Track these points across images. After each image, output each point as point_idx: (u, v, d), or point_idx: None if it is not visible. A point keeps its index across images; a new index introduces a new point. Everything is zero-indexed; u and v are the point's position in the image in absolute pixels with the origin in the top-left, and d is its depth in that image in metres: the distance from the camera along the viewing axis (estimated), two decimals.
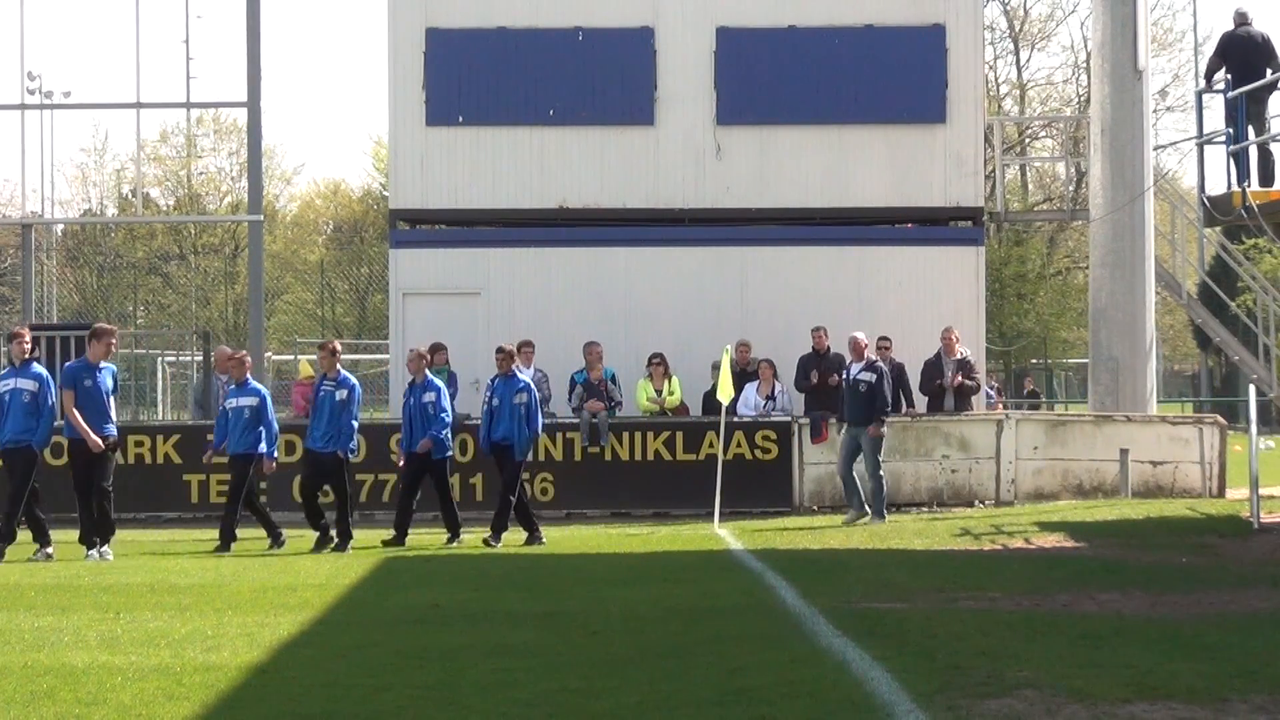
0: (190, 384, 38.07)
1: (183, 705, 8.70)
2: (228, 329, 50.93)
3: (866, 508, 19.70)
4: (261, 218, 26.58)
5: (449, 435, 18.46)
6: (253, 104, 25.17)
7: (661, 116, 23.98)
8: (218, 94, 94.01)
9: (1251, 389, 19.58)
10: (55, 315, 42.04)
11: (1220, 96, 20.69)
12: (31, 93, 35.72)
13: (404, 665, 9.77)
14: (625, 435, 21.58)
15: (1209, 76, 21.06)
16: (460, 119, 23.98)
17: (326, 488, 18.08)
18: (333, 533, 17.87)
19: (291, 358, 36.65)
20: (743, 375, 21.91)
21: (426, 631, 11.18)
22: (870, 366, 19.77)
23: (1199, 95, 21.77)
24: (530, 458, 21.41)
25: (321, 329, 51.25)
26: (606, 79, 24.00)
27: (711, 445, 20.88)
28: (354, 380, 18.32)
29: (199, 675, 9.46)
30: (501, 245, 24.13)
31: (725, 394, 20.16)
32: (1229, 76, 20.48)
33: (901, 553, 16.31)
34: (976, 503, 21.74)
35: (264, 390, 18.47)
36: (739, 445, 21.38)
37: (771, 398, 21.93)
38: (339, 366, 18.26)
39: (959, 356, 22.23)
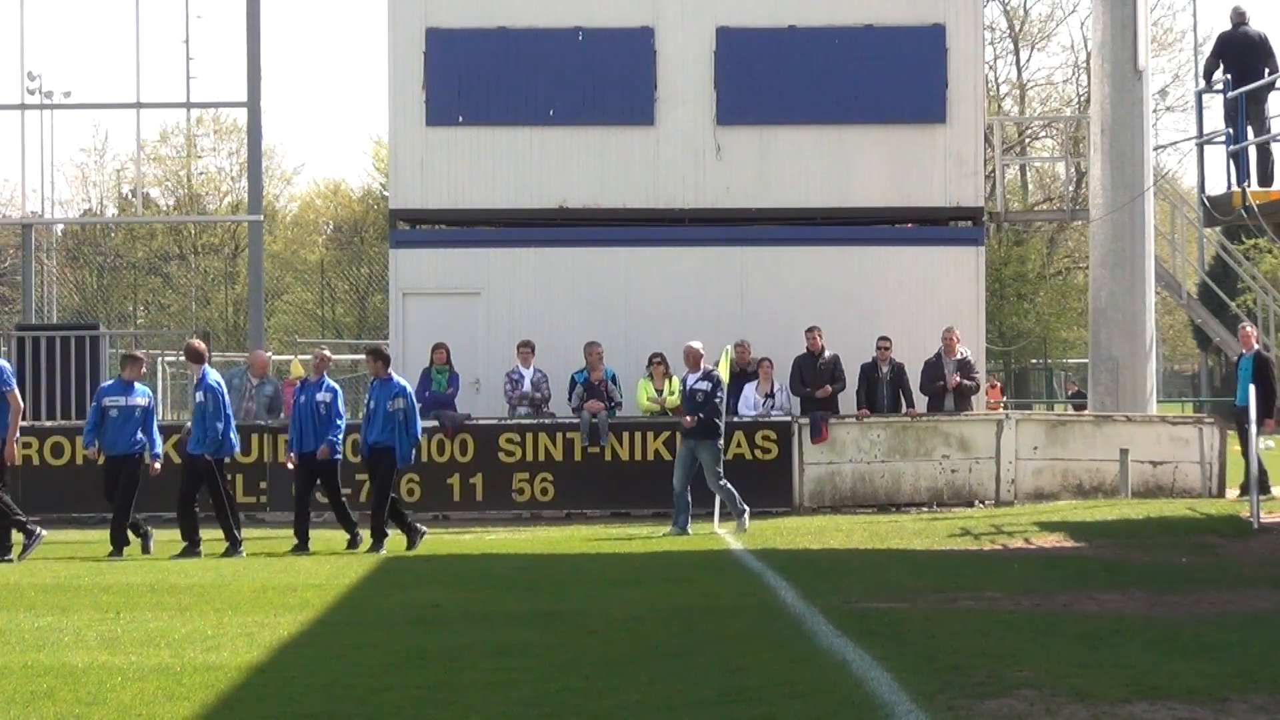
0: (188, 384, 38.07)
1: (183, 705, 8.70)
2: (228, 329, 50.97)
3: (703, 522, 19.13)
4: (261, 218, 26.60)
5: (340, 439, 18.00)
6: (253, 104, 25.18)
7: (661, 116, 23.98)
8: (218, 94, 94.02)
9: (1251, 389, 19.57)
10: (55, 315, 42.10)
11: (1220, 96, 20.69)
12: (31, 93, 35.77)
13: (404, 665, 9.77)
14: (625, 435, 21.58)
15: (1207, 76, 21.06)
16: (460, 119, 23.97)
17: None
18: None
19: (291, 358, 36.64)
20: (743, 375, 21.91)
21: (426, 631, 11.18)
22: (706, 376, 19.09)
23: (1199, 95, 21.77)
24: (532, 457, 21.51)
25: (321, 329, 51.29)
26: (606, 79, 23.99)
27: None
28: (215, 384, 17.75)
29: (199, 675, 9.46)
30: (501, 245, 24.12)
31: None
32: (1228, 76, 20.48)
33: (901, 553, 16.31)
34: (976, 503, 21.74)
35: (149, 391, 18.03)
36: (739, 445, 21.38)
37: (771, 396, 21.93)
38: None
39: (959, 357, 22.23)
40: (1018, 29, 50.56)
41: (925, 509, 21.48)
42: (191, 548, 17.25)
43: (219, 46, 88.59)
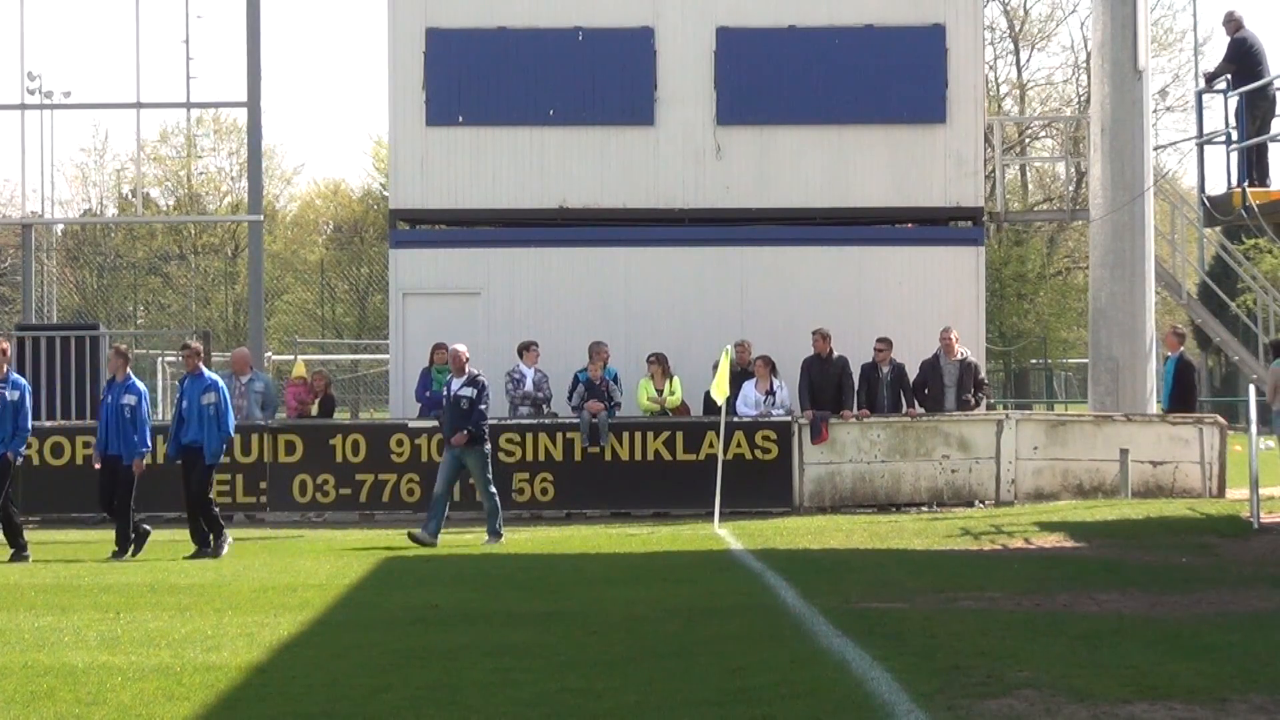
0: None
1: (183, 705, 8.71)
2: (228, 329, 50.98)
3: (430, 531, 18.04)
4: (261, 218, 26.59)
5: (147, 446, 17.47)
6: (253, 104, 25.18)
7: (661, 116, 23.98)
8: (218, 94, 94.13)
9: (1251, 389, 19.57)
10: (55, 315, 42.11)
11: (1219, 96, 20.70)
12: (31, 93, 35.77)
13: (404, 665, 9.77)
14: (625, 435, 21.57)
15: (1213, 78, 21.06)
16: (460, 119, 23.97)
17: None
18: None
19: (291, 358, 36.64)
20: (743, 374, 21.90)
21: (426, 631, 11.18)
22: (471, 381, 18.13)
23: (1199, 95, 21.77)
24: (532, 457, 21.50)
25: (321, 329, 51.31)
26: (606, 79, 23.99)
27: (711, 445, 20.88)
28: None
29: (199, 675, 9.47)
30: (501, 245, 24.12)
31: (720, 392, 20.11)
32: (1228, 77, 20.50)
33: (901, 553, 16.31)
34: (976, 503, 21.73)
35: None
36: (739, 445, 21.37)
37: (771, 393, 21.91)
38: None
39: (959, 358, 22.20)
40: (1018, 29, 50.56)
41: (925, 509, 21.47)
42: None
43: (219, 46, 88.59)
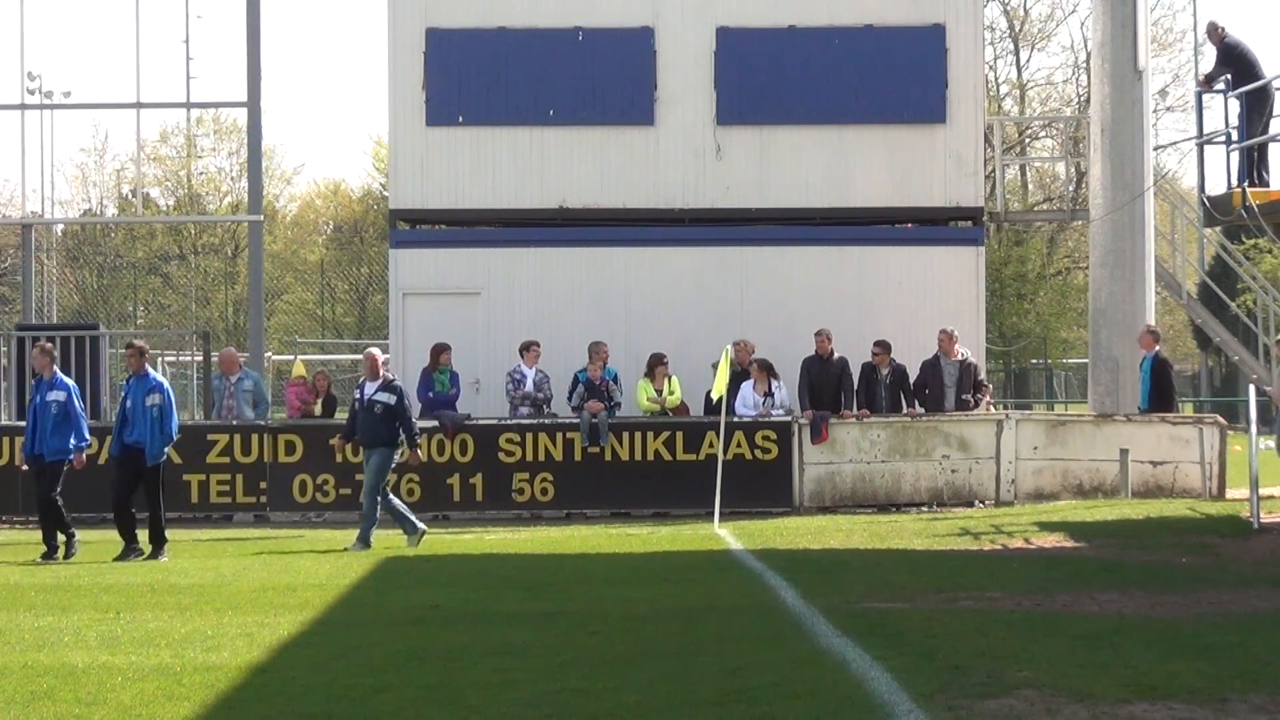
0: (190, 383, 38.13)
1: (183, 705, 8.71)
2: (228, 329, 50.98)
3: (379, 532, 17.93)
4: (261, 218, 26.59)
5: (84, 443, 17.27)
6: (253, 104, 25.18)
7: (661, 116, 23.98)
8: (218, 94, 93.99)
9: (1251, 389, 19.56)
10: (55, 315, 42.09)
11: (1219, 97, 20.73)
12: (31, 93, 35.72)
13: (404, 665, 9.77)
14: (625, 435, 21.57)
15: (1211, 80, 21.08)
16: (460, 119, 23.97)
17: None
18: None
19: (291, 358, 36.66)
20: (743, 374, 21.90)
21: (426, 631, 11.18)
22: (388, 386, 17.86)
23: (1199, 95, 21.79)
24: (532, 457, 21.50)
25: (321, 329, 51.31)
26: (606, 79, 23.99)
27: (711, 445, 20.88)
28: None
29: (199, 675, 9.47)
30: (501, 245, 24.12)
31: (718, 390, 20.14)
32: (1228, 77, 20.52)
33: (901, 553, 16.31)
34: (976, 503, 21.72)
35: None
36: (739, 445, 21.37)
37: (769, 394, 21.90)
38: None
39: (960, 358, 22.19)
40: (1018, 29, 50.57)
41: (925, 509, 21.47)
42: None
43: (219, 46, 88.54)
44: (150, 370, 17.56)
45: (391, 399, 17.81)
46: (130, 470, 17.18)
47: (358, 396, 18.18)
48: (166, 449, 17.28)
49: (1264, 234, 24.84)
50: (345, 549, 17.35)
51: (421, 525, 18.00)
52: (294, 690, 9.07)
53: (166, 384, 17.63)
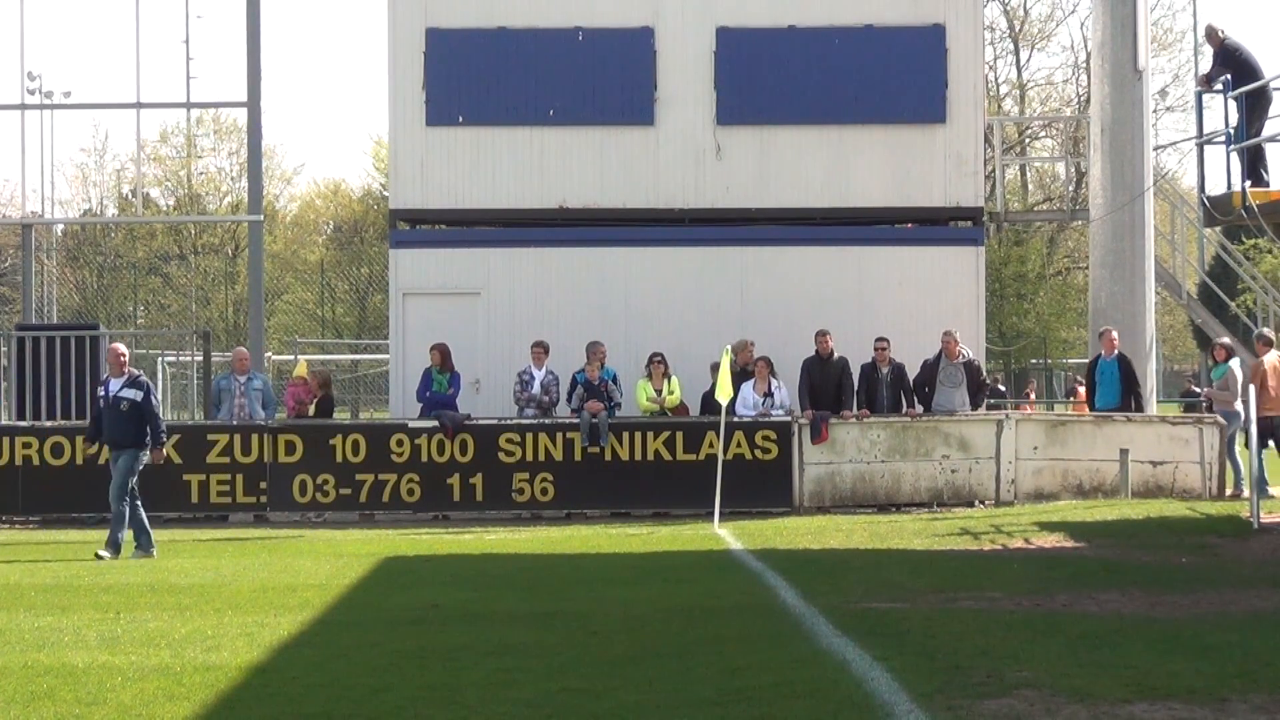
0: (189, 383, 38.09)
1: (183, 705, 8.71)
2: (228, 329, 50.98)
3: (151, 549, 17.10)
4: (261, 218, 26.60)
5: None
6: (253, 104, 25.18)
7: (661, 116, 23.97)
8: (218, 94, 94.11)
9: (1251, 389, 19.56)
10: (55, 315, 42.11)
11: (1219, 97, 20.72)
12: (31, 93, 35.77)
13: (404, 665, 9.78)
14: (625, 435, 21.56)
15: (1210, 80, 21.07)
16: (460, 119, 23.97)
17: None
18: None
19: (291, 358, 36.65)
20: (744, 375, 21.89)
21: (426, 631, 11.18)
22: (134, 383, 17.10)
23: (1199, 95, 21.78)
24: (532, 457, 21.49)
25: (321, 329, 51.30)
26: (606, 79, 23.98)
27: (711, 445, 20.88)
28: None
29: (199, 675, 9.47)
30: (501, 245, 24.11)
31: (724, 394, 20.15)
32: (1227, 78, 20.52)
33: (901, 553, 16.31)
34: (976, 503, 21.72)
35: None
36: (739, 445, 21.36)
37: (770, 394, 21.90)
38: None
39: (962, 359, 22.16)
40: (1018, 29, 50.59)
41: (925, 509, 21.47)
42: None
43: (219, 46, 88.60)
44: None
45: (138, 395, 17.05)
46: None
47: (102, 394, 17.41)
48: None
49: (1264, 234, 24.83)
50: (96, 554, 16.72)
51: (154, 550, 17.06)
52: (294, 690, 9.07)
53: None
